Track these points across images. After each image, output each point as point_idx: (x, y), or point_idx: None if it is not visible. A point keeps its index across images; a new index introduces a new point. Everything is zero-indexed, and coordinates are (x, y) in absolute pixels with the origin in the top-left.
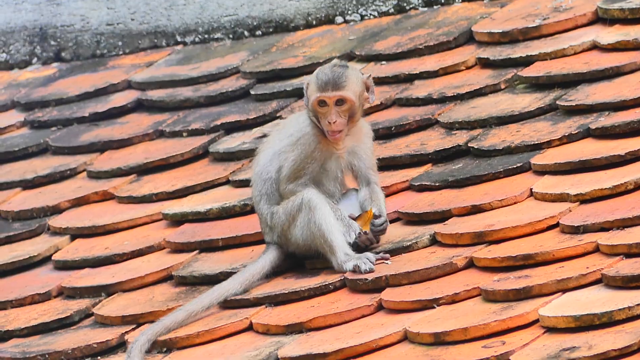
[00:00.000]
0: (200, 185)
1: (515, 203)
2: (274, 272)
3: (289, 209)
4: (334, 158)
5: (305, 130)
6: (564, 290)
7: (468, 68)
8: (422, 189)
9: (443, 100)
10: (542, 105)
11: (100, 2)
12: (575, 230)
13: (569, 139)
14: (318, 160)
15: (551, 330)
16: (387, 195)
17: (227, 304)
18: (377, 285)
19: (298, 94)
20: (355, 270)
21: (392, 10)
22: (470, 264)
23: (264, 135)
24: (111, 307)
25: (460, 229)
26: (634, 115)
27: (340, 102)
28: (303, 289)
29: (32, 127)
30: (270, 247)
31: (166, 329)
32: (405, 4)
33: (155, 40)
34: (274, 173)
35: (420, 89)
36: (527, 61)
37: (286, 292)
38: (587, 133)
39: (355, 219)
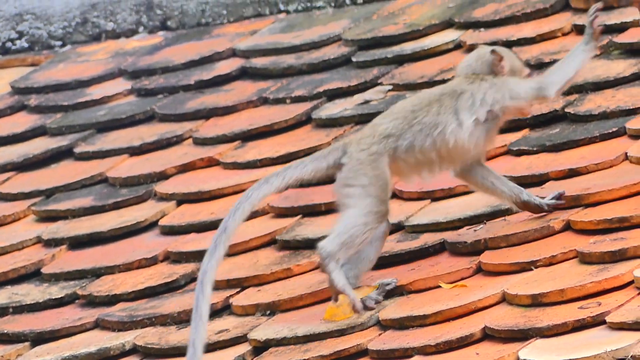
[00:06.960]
0: (303, 151)
1: (611, 167)
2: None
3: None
4: None
5: None
6: None
7: (564, 34)
8: (520, 153)
9: (540, 66)
10: (637, 71)
11: None
12: None
13: None
14: None
15: None
16: (487, 159)
17: None
18: (476, 248)
19: (398, 60)
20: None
21: None
22: (567, 226)
23: (366, 102)
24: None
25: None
26: None
27: None
28: (403, 251)
29: (139, 95)
30: None
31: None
32: None
33: (259, 9)
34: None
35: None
36: (621, 27)
37: (387, 255)
38: None
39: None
